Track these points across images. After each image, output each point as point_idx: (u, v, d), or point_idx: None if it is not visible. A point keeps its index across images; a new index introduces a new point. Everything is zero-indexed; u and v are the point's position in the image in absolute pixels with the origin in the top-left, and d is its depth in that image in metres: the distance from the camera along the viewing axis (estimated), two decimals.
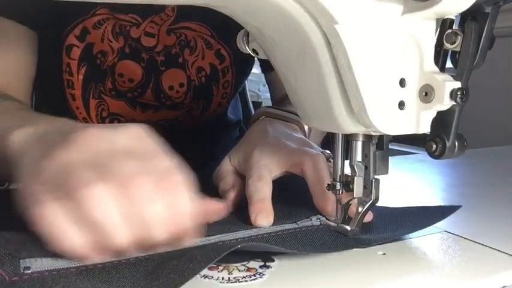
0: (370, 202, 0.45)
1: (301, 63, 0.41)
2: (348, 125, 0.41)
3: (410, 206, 0.52)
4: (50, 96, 0.79)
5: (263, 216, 0.47)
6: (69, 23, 0.74)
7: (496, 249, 0.44)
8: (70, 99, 0.77)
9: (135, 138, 0.39)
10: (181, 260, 0.36)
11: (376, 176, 0.45)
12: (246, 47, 0.47)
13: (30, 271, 0.36)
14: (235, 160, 0.57)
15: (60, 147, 0.37)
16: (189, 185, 0.38)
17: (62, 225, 0.35)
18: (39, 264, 0.37)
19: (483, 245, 0.45)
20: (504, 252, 0.44)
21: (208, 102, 0.83)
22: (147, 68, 0.77)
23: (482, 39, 0.39)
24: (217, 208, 0.42)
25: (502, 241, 0.46)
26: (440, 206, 0.50)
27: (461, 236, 0.47)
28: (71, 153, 0.37)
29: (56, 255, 0.38)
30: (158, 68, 0.78)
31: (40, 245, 0.39)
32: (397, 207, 0.52)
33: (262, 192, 0.49)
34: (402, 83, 0.39)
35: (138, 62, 0.77)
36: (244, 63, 0.85)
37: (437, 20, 0.40)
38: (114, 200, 0.34)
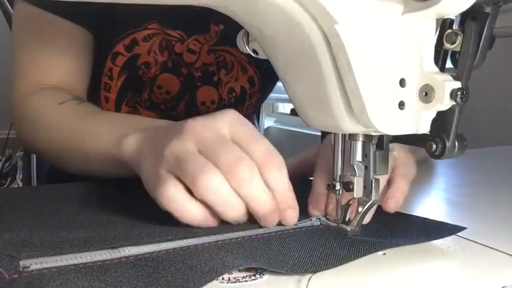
0: (370, 202, 0.45)
1: (301, 63, 0.41)
2: (348, 125, 0.41)
3: (415, 215, 0.51)
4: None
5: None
6: (122, 32, 0.76)
7: (496, 249, 0.44)
8: (103, 100, 0.80)
9: (234, 124, 0.46)
10: (182, 269, 0.36)
11: (376, 176, 0.45)
12: (246, 47, 0.47)
13: (29, 269, 0.36)
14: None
15: (174, 139, 0.44)
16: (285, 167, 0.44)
17: (184, 202, 0.42)
18: (38, 264, 0.37)
19: (483, 245, 0.45)
20: (504, 252, 0.44)
21: None
22: (185, 82, 0.81)
23: (482, 39, 0.39)
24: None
25: (502, 241, 0.46)
26: (445, 223, 0.49)
27: (461, 236, 0.47)
28: (185, 143, 0.43)
29: (55, 255, 0.38)
30: (195, 83, 0.81)
31: (41, 246, 0.39)
32: (400, 213, 0.52)
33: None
34: (402, 83, 0.39)
35: (177, 75, 0.80)
36: (268, 89, 0.89)
37: (437, 20, 0.40)
38: (222, 183, 0.41)
